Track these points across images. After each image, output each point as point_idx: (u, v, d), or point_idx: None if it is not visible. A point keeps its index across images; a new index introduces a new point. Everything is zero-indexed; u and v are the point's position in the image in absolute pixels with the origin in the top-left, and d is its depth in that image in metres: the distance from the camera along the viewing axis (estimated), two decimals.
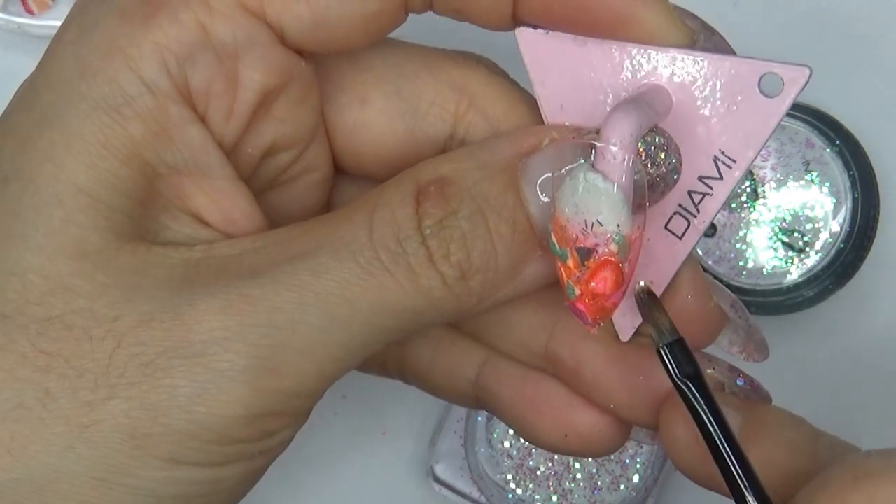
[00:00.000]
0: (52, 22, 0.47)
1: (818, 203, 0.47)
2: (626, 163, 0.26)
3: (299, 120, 0.29)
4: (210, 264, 0.27)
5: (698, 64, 0.28)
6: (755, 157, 0.28)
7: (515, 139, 0.28)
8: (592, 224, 0.26)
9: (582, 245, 0.26)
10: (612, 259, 0.26)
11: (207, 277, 0.26)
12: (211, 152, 0.28)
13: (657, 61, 0.28)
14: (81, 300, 0.26)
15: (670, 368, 0.28)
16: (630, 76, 0.28)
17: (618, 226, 0.26)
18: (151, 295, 0.26)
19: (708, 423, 0.27)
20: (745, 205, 0.47)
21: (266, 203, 0.30)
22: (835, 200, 0.47)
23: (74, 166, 0.26)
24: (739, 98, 0.28)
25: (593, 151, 0.26)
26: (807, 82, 0.27)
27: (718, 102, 0.28)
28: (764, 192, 0.47)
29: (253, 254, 0.27)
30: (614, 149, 0.26)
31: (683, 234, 0.29)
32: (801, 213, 0.47)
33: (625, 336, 0.30)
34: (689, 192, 0.29)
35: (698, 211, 0.29)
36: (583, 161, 0.27)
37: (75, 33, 0.27)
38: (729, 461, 0.27)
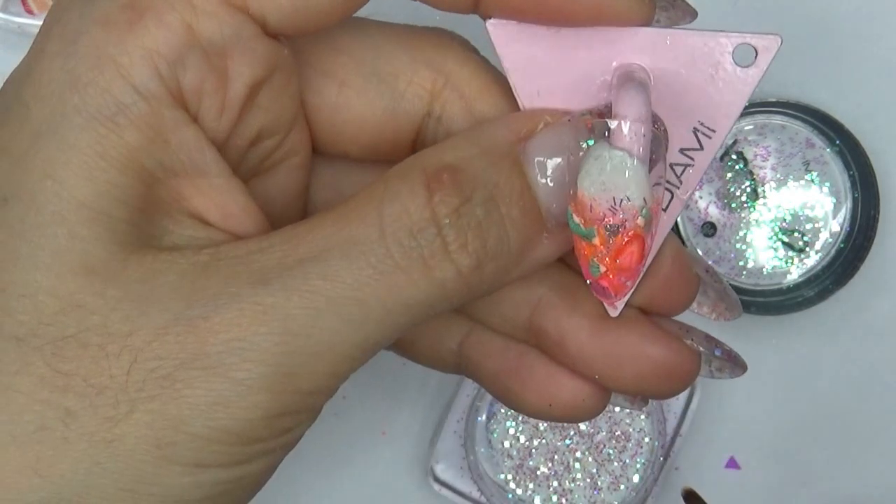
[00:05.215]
0: None
1: (818, 203, 0.47)
2: (646, 136, 0.27)
3: (283, 107, 0.29)
4: (219, 268, 0.27)
5: (673, 40, 0.29)
6: (733, 125, 0.29)
7: (512, 124, 0.29)
8: (621, 200, 0.26)
9: (610, 222, 0.27)
10: (640, 233, 0.27)
11: (217, 284, 0.26)
12: (206, 151, 0.28)
13: (632, 41, 0.29)
14: (94, 317, 0.26)
15: None
16: (606, 58, 0.29)
17: (644, 199, 0.26)
18: (164, 306, 0.26)
19: None
20: (745, 205, 0.47)
21: (251, 192, 0.30)
22: (835, 200, 0.47)
23: (74, 181, 0.26)
24: (715, 70, 0.29)
25: (610, 129, 0.27)
26: (778, 50, 0.28)
27: (695, 76, 0.29)
28: (764, 192, 0.47)
29: (260, 254, 0.27)
30: (635, 125, 0.26)
31: (668, 206, 0.30)
32: (801, 213, 0.47)
33: (614, 312, 0.31)
34: (671, 165, 0.29)
35: (681, 182, 0.30)
36: (600, 141, 0.27)
37: (58, 45, 0.27)
38: None
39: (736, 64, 0.29)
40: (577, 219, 0.27)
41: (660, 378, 0.30)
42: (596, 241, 0.27)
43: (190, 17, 0.27)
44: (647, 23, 0.28)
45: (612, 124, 0.27)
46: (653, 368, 0.30)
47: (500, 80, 0.31)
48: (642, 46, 0.29)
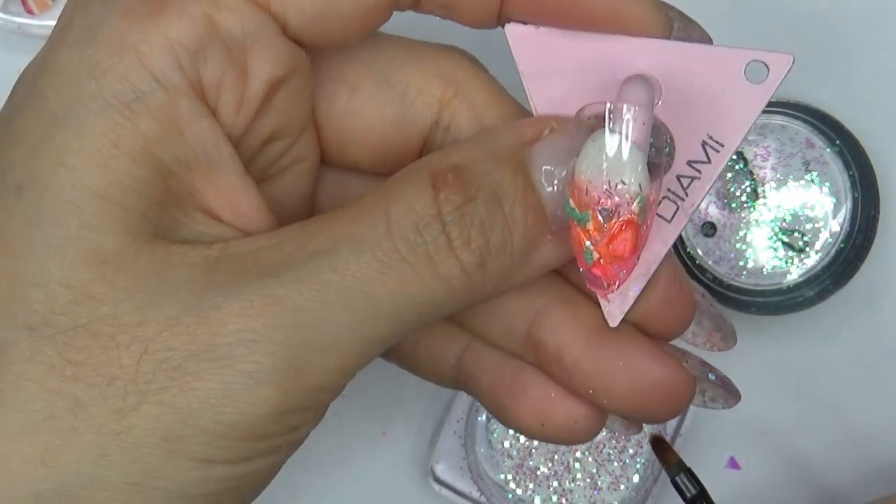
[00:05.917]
0: (52, 22, 0.47)
1: (818, 203, 0.47)
2: (646, 125, 0.27)
3: (297, 110, 0.29)
4: (229, 262, 0.27)
5: (686, 54, 0.29)
6: (742, 140, 0.29)
7: (518, 129, 0.29)
8: (616, 185, 0.27)
9: (605, 206, 0.27)
10: (634, 219, 0.27)
11: (228, 277, 0.26)
12: (221, 146, 0.28)
13: (646, 52, 0.29)
14: (105, 307, 0.26)
15: (685, 493, 0.37)
16: (620, 68, 0.29)
17: (640, 186, 0.27)
18: (174, 298, 0.26)
19: None
20: (745, 205, 0.47)
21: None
22: (835, 200, 0.47)
23: (87, 169, 0.26)
24: (726, 85, 0.29)
25: (613, 115, 0.27)
26: (790, 68, 0.28)
27: (706, 89, 0.29)
28: (764, 192, 0.47)
29: (270, 250, 0.27)
30: (635, 110, 0.27)
31: (672, 218, 0.30)
32: (801, 213, 0.47)
33: (613, 322, 0.31)
34: (678, 177, 0.30)
35: (687, 194, 0.30)
36: (600, 127, 0.27)
37: (78, 33, 0.27)
38: None
39: (747, 80, 0.29)
40: (572, 203, 0.27)
41: (654, 397, 0.30)
42: (590, 225, 0.27)
43: (212, 10, 0.27)
44: (663, 35, 0.29)
45: (613, 108, 0.27)
46: (648, 386, 0.30)
47: (507, 95, 0.31)
48: (655, 58, 0.29)
